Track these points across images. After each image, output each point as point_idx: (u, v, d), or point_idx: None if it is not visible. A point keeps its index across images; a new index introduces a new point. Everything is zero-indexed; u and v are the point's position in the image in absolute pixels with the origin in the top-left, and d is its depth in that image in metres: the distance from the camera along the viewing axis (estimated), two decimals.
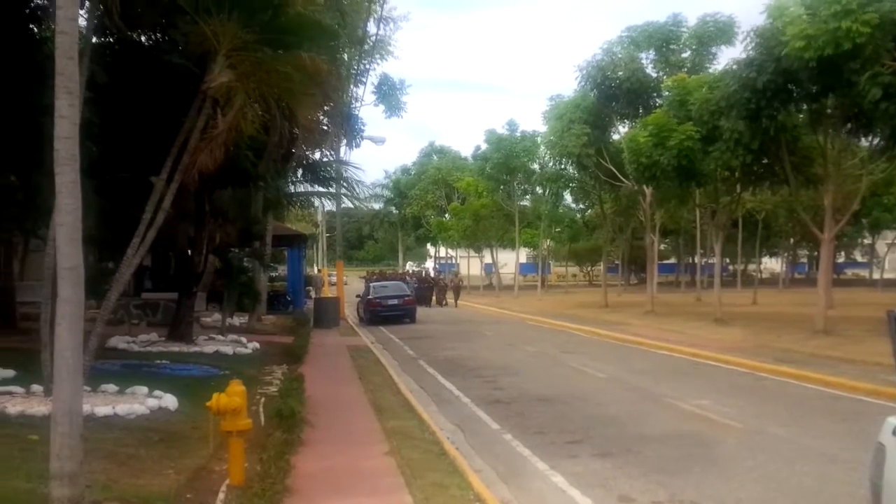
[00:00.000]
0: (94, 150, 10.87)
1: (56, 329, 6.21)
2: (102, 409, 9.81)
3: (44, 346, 9.64)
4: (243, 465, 7.74)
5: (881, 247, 61.83)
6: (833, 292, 29.27)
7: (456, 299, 47.37)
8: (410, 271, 66.22)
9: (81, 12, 10.99)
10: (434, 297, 47.41)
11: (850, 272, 71.81)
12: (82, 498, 6.11)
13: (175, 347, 17.10)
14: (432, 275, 59.48)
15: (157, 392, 11.10)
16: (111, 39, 14.75)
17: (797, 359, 18.12)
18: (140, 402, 10.58)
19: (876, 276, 56.88)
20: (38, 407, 9.51)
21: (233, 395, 7.60)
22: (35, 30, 14.39)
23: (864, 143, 25.27)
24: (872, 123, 21.16)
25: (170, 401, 10.84)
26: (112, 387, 11.20)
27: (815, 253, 54.93)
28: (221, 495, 7.39)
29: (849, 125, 22.76)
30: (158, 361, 15.02)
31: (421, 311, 37.48)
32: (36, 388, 10.45)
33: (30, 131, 10.70)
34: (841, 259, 69.46)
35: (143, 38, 15.79)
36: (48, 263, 9.53)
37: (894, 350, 4.71)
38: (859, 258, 73.64)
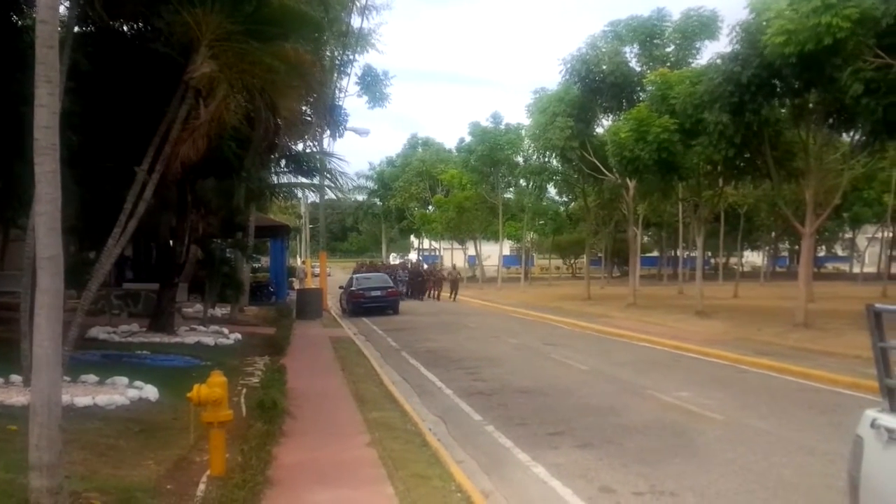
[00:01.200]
0: (74, 139, 10.79)
1: (35, 319, 6.17)
2: (82, 400, 9.78)
3: (23, 337, 9.59)
4: (224, 455, 7.74)
5: (861, 241, 62.33)
6: (814, 286, 29.57)
7: (454, 293, 43.61)
8: (405, 262, 63.07)
9: (64, 2, 10.93)
10: (429, 291, 44.93)
11: (830, 266, 72.43)
12: (61, 489, 6.07)
13: (156, 338, 17.05)
14: (426, 266, 55.03)
15: (137, 383, 11.08)
16: (93, 28, 14.62)
17: (778, 351, 18.24)
18: (120, 392, 10.55)
19: (856, 269, 57.36)
20: (17, 397, 9.47)
21: (214, 385, 7.59)
22: (16, 18, 14.25)
23: (845, 137, 25.44)
24: (854, 118, 21.29)
25: (150, 391, 10.82)
26: (92, 377, 11.17)
27: (797, 247, 55.33)
28: (202, 486, 7.37)
29: (831, 120, 22.88)
30: (139, 352, 14.99)
31: (410, 305, 37.42)
32: (15, 378, 10.39)
33: (10, 120, 10.60)
34: (822, 253, 69.99)
35: (125, 28, 15.67)
36: (28, 253, 9.49)
37: (874, 343, 4.73)
38: (840, 252, 74.19)
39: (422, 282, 45.29)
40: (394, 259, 77.98)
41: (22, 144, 7.32)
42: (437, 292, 44.52)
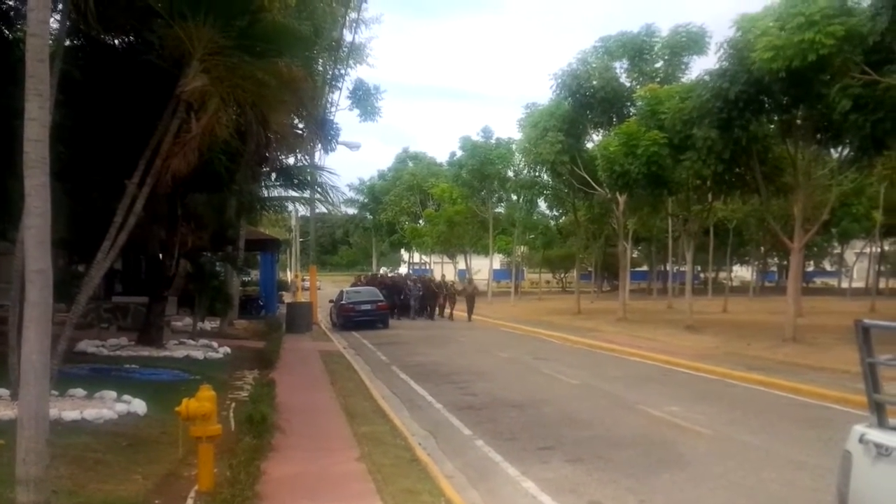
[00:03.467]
0: (64, 152, 10.78)
1: (23, 332, 6.15)
2: (70, 414, 9.73)
3: (11, 350, 9.54)
4: (212, 470, 7.70)
5: (850, 256, 62.55)
6: (802, 301, 29.66)
7: (470, 311, 37.64)
8: (415, 275, 56.07)
9: (55, 15, 10.93)
10: (442, 307, 39.37)
11: (819, 281, 72.63)
12: (48, 503, 6.04)
13: (145, 352, 16.97)
14: (438, 280, 45.85)
15: (125, 397, 11.03)
16: (83, 42, 14.62)
17: (767, 366, 18.27)
18: (108, 406, 10.50)
19: (844, 284, 57.56)
20: (4, 411, 9.41)
21: (202, 400, 7.56)
22: (6, 31, 14.24)
23: (833, 153, 25.58)
24: (841, 134, 21.41)
25: (139, 406, 10.76)
26: (80, 391, 11.11)
27: (785, 262, 55.51)
28: (190, 501, 7.34)
29: (818, 136, 23.02)
30: (128, 366, 14.90)
31: (404, 322, 36.41)
32: (3, 391, 10.33)
33: (0, 134, 10.59)
34: (810, 268, 70.20)
35: (116, 41, 15.67)
36: (17, 266, 9.45)
37: (862, 359, 4.76)
38: (828, 267, 74.44)
39: (435, 297, 39.78)
40: (384, 272, 77.62)
41: (12, 157, 7.31)
42: (450, 310, 39.17)
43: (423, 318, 38.25)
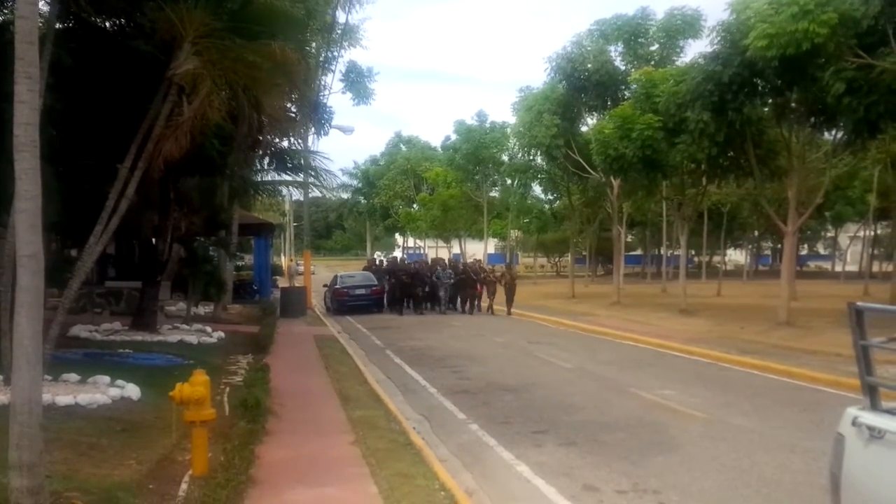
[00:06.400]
0: (55, 136, 10.71)
1: (15, 317, 6.12)
2: (63, 399, 9.71)
3: (3, 335, 9.51)
4: (207, 455, 7.70)
5: (843, 239, 62.73)
6: (796, 284, 29.70)
7: (509, 304, 31.11)
8: (446, 260, 43.23)
9: None
10: (481, 299, 32.19)
11: (812, 264, 72.86)
12: (42, 488, 6.03)
13: (138, 336, 16.94)
14: (472, 264, 37.89)
15: (119, 381, 11.00)
16: (74, 24, 14.51)
17: (760, 349, 18.33)
18: (102, 391, 10.48)
19: (838, 268, 57.73)
20: None
21: (196, 384, 7.55)
22: None
23: (827, 136, 25.59)
24: (836, 117, 21.39)
25: (132, 390, 10.75)
26: (74, 376, 11.08)
27: (779, 245, 55.60)
28: (184, 485, 7.34)
29: (813, 119, 22.99)
30: (121, 350, 14.88)
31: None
32: None
33: None
34: (804, 251, 70.40)
35: (107, 24, 15.56)
36: (8, 251, 9.40)
37: (855, 342, 4.76)
38: (822, 251, 74.69)
39: (472, 286, 32.25)
40: (378, 257, 77.23)
41: (2, 141, 7.26)
42: (489, 302, 32.09)
43: (456, 312, 32.11)
